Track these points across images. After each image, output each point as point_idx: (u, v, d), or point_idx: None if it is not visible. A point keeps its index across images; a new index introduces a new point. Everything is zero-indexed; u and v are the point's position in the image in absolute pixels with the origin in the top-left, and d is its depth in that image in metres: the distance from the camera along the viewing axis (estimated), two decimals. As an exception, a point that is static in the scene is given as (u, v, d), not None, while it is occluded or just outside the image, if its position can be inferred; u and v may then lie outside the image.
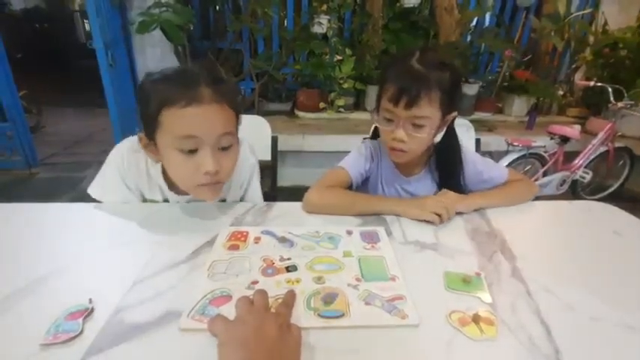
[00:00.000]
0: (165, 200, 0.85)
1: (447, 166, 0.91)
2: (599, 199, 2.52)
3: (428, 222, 0.76)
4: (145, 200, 0.85)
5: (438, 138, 0.87)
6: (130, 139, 0.82)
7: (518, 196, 0.88)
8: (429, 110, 0.76)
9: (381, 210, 0.80)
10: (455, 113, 0.83)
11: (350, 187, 0.91)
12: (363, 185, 0.97)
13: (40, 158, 2.95)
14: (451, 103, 0.80)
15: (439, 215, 0.75)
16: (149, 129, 0.68)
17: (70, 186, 2.60)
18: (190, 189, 0.74)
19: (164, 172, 0.79)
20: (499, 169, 0.93)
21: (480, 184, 0.93)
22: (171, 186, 0.82)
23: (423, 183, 0.95)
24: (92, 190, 0.82)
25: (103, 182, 0.82)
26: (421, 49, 0.79)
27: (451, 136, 0.89)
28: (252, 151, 0.91)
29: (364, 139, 1.21)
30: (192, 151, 0.67)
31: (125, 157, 0.80)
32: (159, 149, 0.70)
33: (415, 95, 0.74)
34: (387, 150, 0.88)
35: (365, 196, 0.89)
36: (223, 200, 0.88)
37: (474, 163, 0.92)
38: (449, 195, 0.81)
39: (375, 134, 1.00)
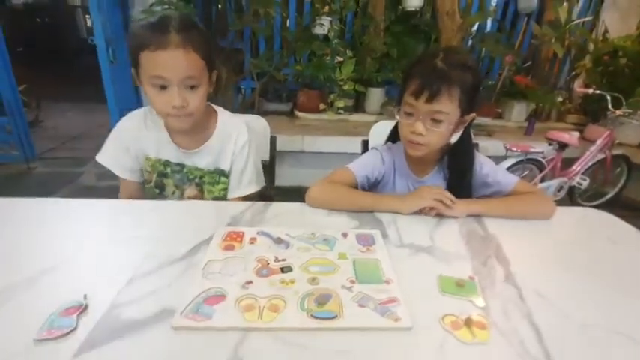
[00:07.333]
0: (164, 161, 0.95)
1: (458, 166, 0.92)
2: (596, 206, 2.52)
3: (424, 224, 0.77)
4: (146, 160, 0.95)
5: (455, 139, 0.88)
6: (130, 113, 0.96)
7: (527, 210, 0.84)
8: (448, 106, 0.79)
9: (381, 208, 0.82)
10: (473, 115, 0.85)
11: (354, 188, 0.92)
12: (374, 187, 0.98)
13: (39, 153, 2.94)
14: (470, 103, 0.82)
15: (441, 203, 0.78)
16: (134, 66, 0.81)
17: (67, 181, 2.60)
18: (164, 118, 0.87)
19: (168, 131, 0.92)
20: (506, 176, 0.92)
21: (482, 187, 0.93)
22: (173, 139, 0.93)
23: (435, 182, 0.95)
24: (99, 157, 0.94)
25: (105, 149, 0.94)
26: (445, 49, 0.82)
27: (466, 137, 0.90)
28: (247, 129, 0.99)
29: (363, 141, 1.23)
30: (163, 87, 0.79)
31: (123, 126, 0.94)
32: (142, 82, 0.82)
33: (436, 90, 0.77)
34: (404, 145, 0.90)
35: (366, 194, 0.90)
36: (219, 170, 0.97)
37: (481, 164, 0.92)
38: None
39: (389, 139, 1.02)
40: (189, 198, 0.97)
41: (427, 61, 0.81)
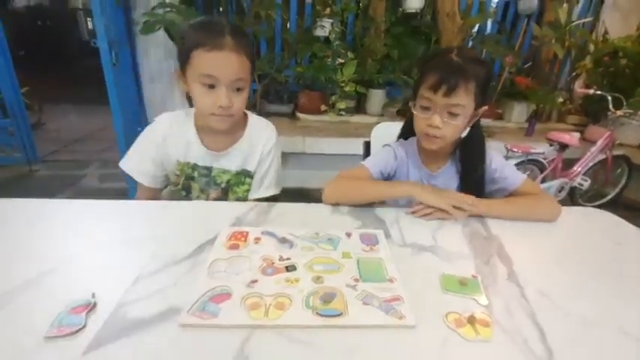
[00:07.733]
0: (192, 164, 0.95)
1: (470, 158, 0.93)
2: (597, 207, 2.53)
3: (426, 224, 0.78)
4: (176, 164, 0.96)
5: (465, 132, 0.89)
6: (161, 115, 0.97)
7: (533, 212, 0.85)
8: (465, 99, 0.81)
9: (395, 192, 0.85)
10: (485, 107, 0.87)
11: None
12: None
13: (41, 155, 2.95)
14: (483, 96, 0.84)
15: (458, 208, 0.79)
16: (182, 64, 0.83)
17: (69, 183, 2.60)
18: (206, 117, 0.87)
19: (198, 132, 0.94)
20: (514, 172, 0.93)
21: (489, 183, 0.94)
22: (203, 140, 0.94)
23: (448, 175, 0.96)
24: (122, 163, 0.95)
25: (129, 156, 0.95)
26: (458, 46, 0.84)
27: (477, 130, 0.91)
28: (277, 139, 1.02)
29: (365, 142, 1.23)
30: (212, 87, 0.82)
31: (149, 134, 0.94)
32: (187, 81, 0.84)
33: (454, 84, 0.79)
34: (420, 138, 0.92)
35: (380, 181, 0.93)
36: (245, 171, 0.98)
37: (490, 159, 0.94)
38: (474, 198, 0.82)
39: (401, 136, 1.04)
40: (214, 199, 0.98)
41: (443, 56, 0.84)
